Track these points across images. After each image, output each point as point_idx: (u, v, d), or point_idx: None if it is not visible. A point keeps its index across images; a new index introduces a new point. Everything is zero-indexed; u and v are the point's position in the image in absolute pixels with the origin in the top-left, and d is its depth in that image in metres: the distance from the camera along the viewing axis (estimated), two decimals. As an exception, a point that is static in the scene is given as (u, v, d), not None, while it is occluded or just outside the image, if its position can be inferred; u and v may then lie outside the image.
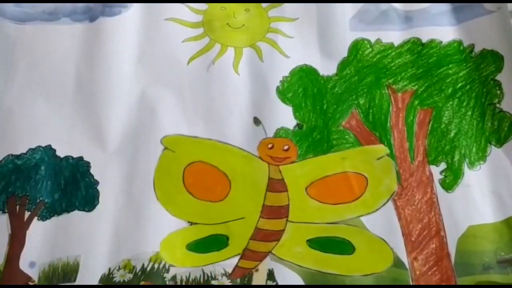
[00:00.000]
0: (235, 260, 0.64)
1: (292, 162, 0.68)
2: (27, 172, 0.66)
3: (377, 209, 0.66)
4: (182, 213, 0.65)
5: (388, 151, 0.68)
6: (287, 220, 0.65)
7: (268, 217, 0.65)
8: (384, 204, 0.66)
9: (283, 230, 0.65)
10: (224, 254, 0.64)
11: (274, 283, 0.62)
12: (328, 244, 0.64)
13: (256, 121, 0.69)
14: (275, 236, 0.64)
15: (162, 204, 0.65)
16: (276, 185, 0.66)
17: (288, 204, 0.66)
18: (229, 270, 0.63)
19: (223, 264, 0.63)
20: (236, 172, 0.67)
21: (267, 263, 0.63)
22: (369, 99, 0.71)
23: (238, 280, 0.62)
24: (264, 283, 0.62)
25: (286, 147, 0.68)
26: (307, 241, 0.64)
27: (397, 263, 0.63)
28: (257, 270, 0.63)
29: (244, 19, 0.75)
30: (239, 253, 0.64)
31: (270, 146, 0.68)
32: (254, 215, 0.65)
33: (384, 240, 0.64)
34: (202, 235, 0.65)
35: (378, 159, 0.68)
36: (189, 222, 0.65)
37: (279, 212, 0.65)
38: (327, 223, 0.65)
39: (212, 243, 0.64)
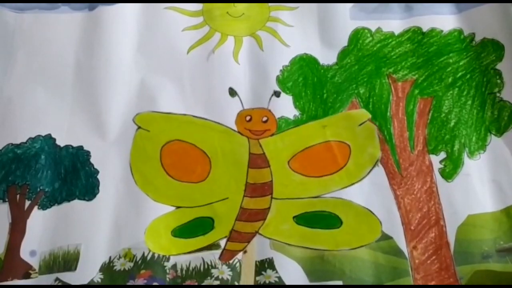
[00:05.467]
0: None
1: (272, 135, 0.67)
2: (27, 161, 0.66)
3: (361, 179, 0.66)
4: (163, 197, 0.65)
5: (370, 116, 0.68)
6: (271, 197, 0.65)
7: (252, 196, 0.65)
8: (368, 173, 0.66)
9: (268, 208, 0.65)
10: (210, 237, 0.64)
11: (274, 272, 0.62)
12: (315, 219, 0.64)
13: (232, 92, 0.68)
14: (261, 215, 0.64)
15: (141, 188, 0.65)
16: (257, 160, 0.66)
17: (272, 180, 0.65)
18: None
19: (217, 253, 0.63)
20: (215, 149, 0.66)
21: (255, 244, 0.63)
22: (369, 88, 0.71)
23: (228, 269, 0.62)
24: (253, 265, 0.62)
25: (265, 119, 0.67)
26: (294, 217, 0.64)
27: (396, 251, 0.63)
28: (245, 252, 0.63)
29: (244, 7, 0.75)
30: (225, 236, 0.64)
31: (248, 118, 0.67)
32: (237, 195, 0.65)
33: (371, 211, 0.64)
34: (186, 219, 0.64)
35: (360, 124, 0.68)
36: (173, 206, 0.65)
37: (263, 189, 0.65)
38: (312, 197, 0.65)
39: (197, 227, 0.64)
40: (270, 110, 0.68)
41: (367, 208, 0.64)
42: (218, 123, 0.67)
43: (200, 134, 0.67)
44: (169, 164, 0.66)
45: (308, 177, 0.66)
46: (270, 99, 0.68)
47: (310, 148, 0.67)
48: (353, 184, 0.65)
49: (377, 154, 0.67)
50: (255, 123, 0.67)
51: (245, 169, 0.65)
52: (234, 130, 0.67)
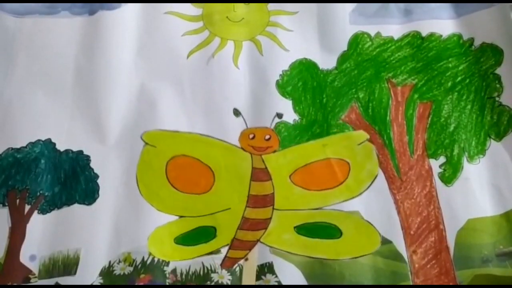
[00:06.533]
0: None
1: (274, 151, 0.68)
2: (27, 165, 0.66)
3: (360, 193, 0.66)
4: (167, 207, 0.65)
5: (368, 136, 0.69)
6: (273, 208, 0.65)
7: (254, 206, 0.65)
8: (368, 187, 0.66)
9: (270, 219, 0.65)
10: (212, 245, 0.64)
11: (274, 276, 0.62)
12: (315, 229, 0.65)
13: (236, 112, 0.69)
14: (262, 224, 0.65)
15: (146, 199, 0.65)
16: (259, 174, 0.66)
17: (273, 193, 0.66)
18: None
19: (217, 257, 0.63)
20: (219, 164, 0.67)
21: (256, 252, 0.64)
22: (369, 92, 0.71)
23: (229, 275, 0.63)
24: (254, 272, 0.63)
25: (267, 137, 0.68)
26: (295, 227, 0.65)
27: (396, 255, 0.63)
28: (246, 259, 0.63)
29: (244, 12, 0.75)
30: (227, 244, 0.64)
31: (251, 136, 0.68)
32: (240, 205, 0.65)
33: (370, 223, 0.64)
34: (189, 227, 0.65)
35: (359, 144, 0.68)
36: (176, 216, 0.65)
37: (265, 200, 0.65)
38: (313, 209, 0.65)
39: (200, 235, 0.64)
40: (273, 130, 0.68)
41: (367, 221, 0.65)
42: (222, 140, 0.68)
43: (204, 150, 0.67)
44: (174, 177, 0.66)
45: (309, 190, 0.66)
46: (273, 119, 0.69)
47: (310, 164, 0.67)
48: (353, 198, 0.66)
49: (376, 171, 0.67)
50: (258, 140, 0.68)
51: (248, 182, 0.66)
52: (238, 147, 0.68)
